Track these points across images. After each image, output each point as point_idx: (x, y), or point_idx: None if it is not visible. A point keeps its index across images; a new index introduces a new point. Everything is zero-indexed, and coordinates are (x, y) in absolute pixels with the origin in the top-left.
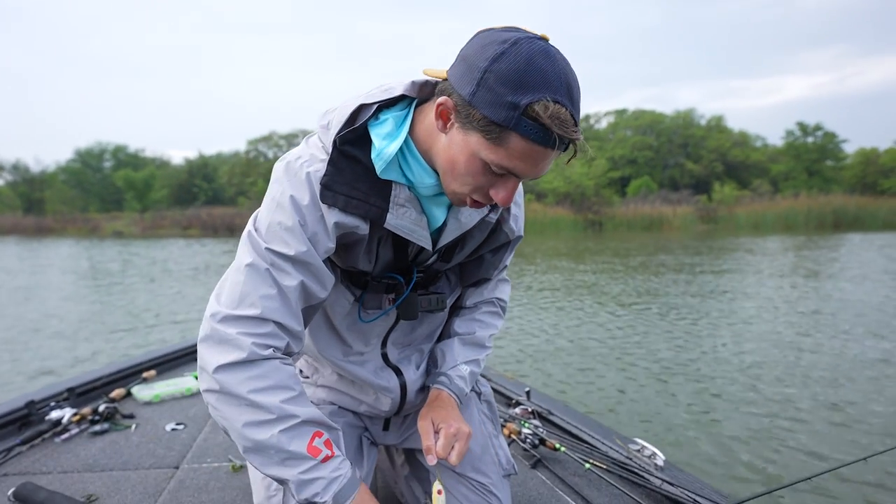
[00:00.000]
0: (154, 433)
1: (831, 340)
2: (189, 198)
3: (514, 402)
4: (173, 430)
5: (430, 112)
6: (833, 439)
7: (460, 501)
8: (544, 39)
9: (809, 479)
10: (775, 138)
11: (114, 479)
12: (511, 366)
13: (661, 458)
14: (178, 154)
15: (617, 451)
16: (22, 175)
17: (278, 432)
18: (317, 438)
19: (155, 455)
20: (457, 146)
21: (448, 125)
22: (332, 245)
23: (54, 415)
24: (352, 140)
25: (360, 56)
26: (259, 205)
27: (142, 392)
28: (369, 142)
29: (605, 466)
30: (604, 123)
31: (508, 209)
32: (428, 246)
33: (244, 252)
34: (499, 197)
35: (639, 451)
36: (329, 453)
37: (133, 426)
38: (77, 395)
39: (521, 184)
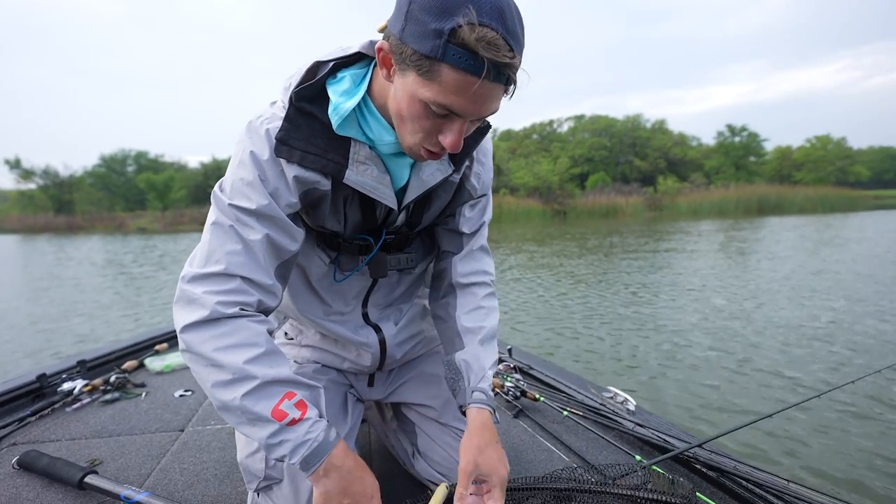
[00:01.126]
0: (163, 400)
1: (761, 303)
2: (205, 197)
3: (497, 359)
4: (181, 396)
5: None
6: (772, 387)
7: (444, 450)
8: None
9: (767, 417)
10: (708, 138)
11: (120, 443)
12: None
13: (632, 404)
14: (194, 158)
15: (592, 399)
16: (52, 179)
17: (241, 395)
18: (286, 400)
19: (162, 420)
20: (399, 91)
21: (391, 72)
22: (294, 200)
23: (66, 386)
24: (309, 97)
25: None
26: None
27: (154, 363)
28: (328, 100)
29: (581, 413)
30: (565, 127)
31: (471, 167)
32: (392, 204)
33: (210, 212)
34: (446, 142)
35: (612, 397)
36: (297, 416)
37: (143, 394)
38: (89, 368)
39: (489, 140)
